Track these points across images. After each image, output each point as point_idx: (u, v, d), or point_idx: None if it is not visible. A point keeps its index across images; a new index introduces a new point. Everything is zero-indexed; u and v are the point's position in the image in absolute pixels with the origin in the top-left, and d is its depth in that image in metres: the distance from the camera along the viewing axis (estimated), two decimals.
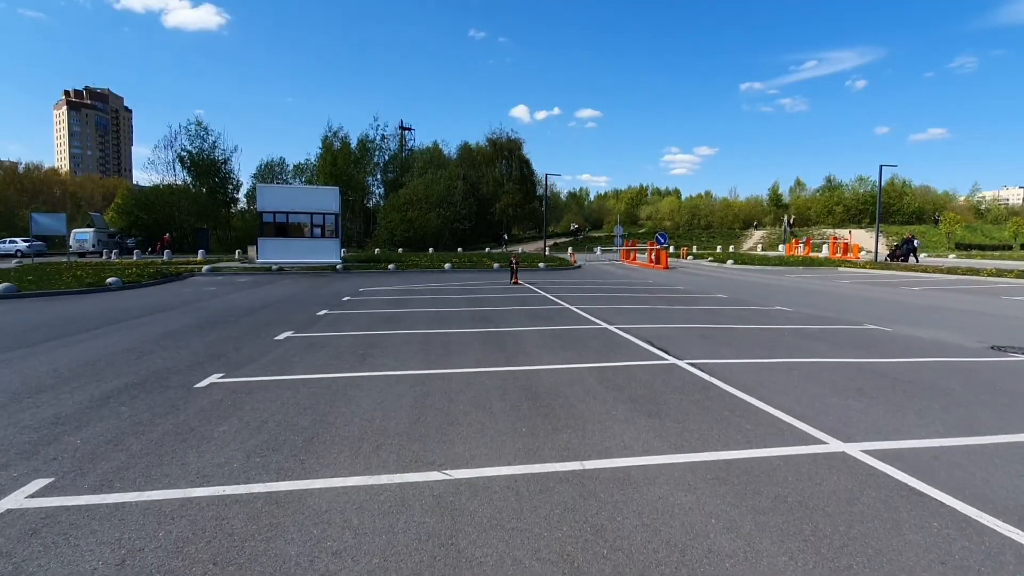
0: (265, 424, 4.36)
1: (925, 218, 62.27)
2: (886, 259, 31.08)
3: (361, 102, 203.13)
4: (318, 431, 4.21)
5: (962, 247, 48.29)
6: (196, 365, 6.41)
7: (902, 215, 62.66)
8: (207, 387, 5.48)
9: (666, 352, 7.16)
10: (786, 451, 3.87)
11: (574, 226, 74.87)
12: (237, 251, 33.94)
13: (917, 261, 30.24)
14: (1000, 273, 21.58)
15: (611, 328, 9.10)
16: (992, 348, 7.90)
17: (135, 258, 33.90)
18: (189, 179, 49.18)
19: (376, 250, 43.68)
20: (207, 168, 48.26)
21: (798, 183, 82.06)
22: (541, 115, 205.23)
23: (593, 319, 10.16)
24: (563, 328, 9.14)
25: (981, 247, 48.81)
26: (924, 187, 73.88)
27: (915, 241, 32.12)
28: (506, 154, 67.18)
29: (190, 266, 23.53)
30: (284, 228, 25.38)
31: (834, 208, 65.56)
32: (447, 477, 3.41)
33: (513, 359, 6.75)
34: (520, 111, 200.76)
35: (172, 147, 48.93)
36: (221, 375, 5.94)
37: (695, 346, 7.64)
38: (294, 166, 60.40)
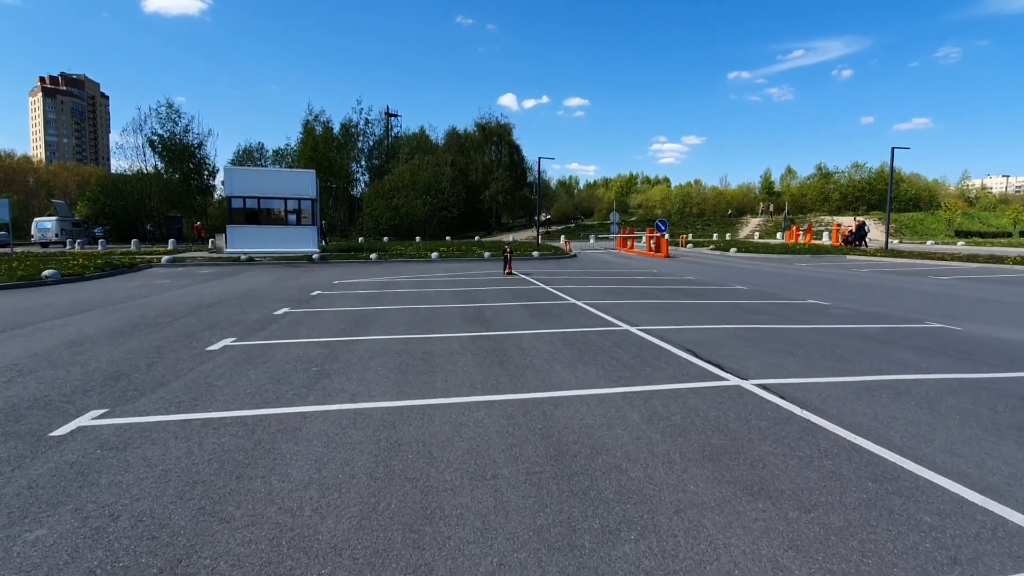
0: (101, 535, 2.55)
1: (922, 205, 61.32)
2: (843, 245, 33.30)
3: (347, 90, 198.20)
4: (194, 546, 2.41)
5: (962, 234, 47.32)
6: (76, 394, 4.56)
7: (899, 202, 61.55)
8: (68, 435, 3.65)
9: (719, 367, 5.43)
10: None
11: (547, 216, 72.87)
12: (211, 240, 31.62)
13: (867, 247, 31.13)
14: None
15: (635, 331, 7.36)
16: None
17: (100, 248, 31.51)
18: (161, 165, 46.35)
19: (360, 239, 41.51)
20: (180, 153, 45.39)
21: (789, 171, 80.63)
22: (529, 103, 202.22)
23: (609, 318, 8.41)
24: (576, 331, 7.37)
25: (981, 234, 47.87)
26: (915, 175, 73.04)
27: (866, 227, 33.84)
28: (495, 139, 64.88)
29: (150, 257, 21.36)
30: (255, 215, 23.25)
31: (830, 195, 64.33)
32: None
33: (519, 380, 4.98)
34: (508, 99, 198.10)
35: (141, 131, 46.04)
36: (101, 413, 4.10)
37: (749, 356, 5.93)
38: (273, 151, 57.59)
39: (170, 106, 45.04)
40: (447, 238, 47.20)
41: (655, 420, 3.94)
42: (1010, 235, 48.95)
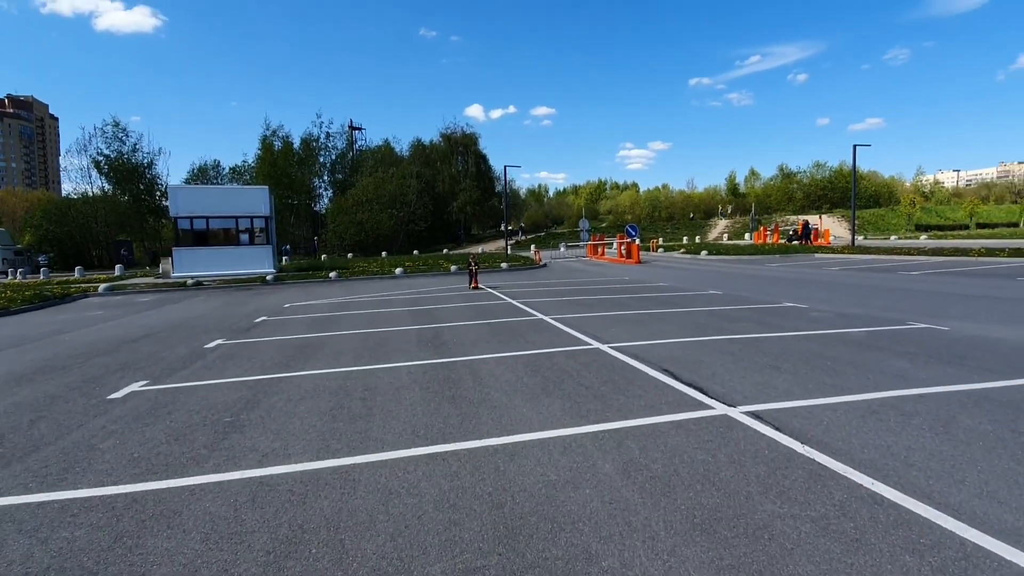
0: None
1: (881, 201, 63.07)
2: (785, 241, 35.32)
3: (310, 105, 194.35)
4: None
5: (922, 228, 48.69)
6: None
7: (860, 199, 63.14)
8: None
9: (701, 391, 4.76)
10: None
11: (521, 225, 72.56)
12: (161, 264, 29.85)
13: (808, 243, 33.03)
14: (991, 252, 20.48)
15: (606, 349, 6.67)
16: None
17: (42, 277, 29.43)
18: (108, 187, 44.08)
19: (323, 256, 40.13)
20: (128, 173, 43.30)
21: (753, 172, 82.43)
22: (496, 113, 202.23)
23: (578, 335, 7.71)
24: (541, 353, 6.63)
25: (939, 227, 49.35)
26: (872, 172, 75.39)
27: (810, 226, 35.78)
28: (461, 149, 64.27)
29: (87, 285, 19.81)
30: (204, 236, 21.89)
31: (794, 195, 65.68)
32: None
33: (472, 421, 4.19)
34: (475, 110, 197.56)
35: (86, 152, 43.80)
36: None
37: (733, 374, 5.28)
38: (230, 168, 55.66)
39: (116, 124, 43.07)
40: (415, 252, 46.17)
41: (632, 471, 3.21)
42: (967, 227, 50.58)
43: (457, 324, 9.18)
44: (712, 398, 4.54)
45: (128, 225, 43.47)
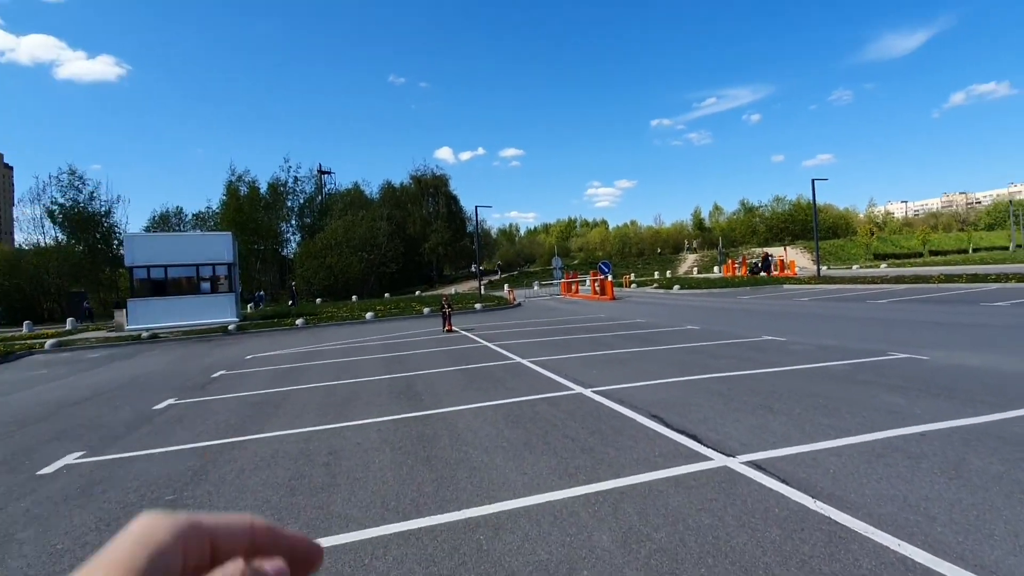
0: None
1: (839, 232, 65.72)
2: (749, 274, 36.49)
3: (278, 151, 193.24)
4: None
5: (879, 257, 50.69)
6: None
7: (820, 230, 65.92)
8: None
9: (695, 439, 4.45)
10: None
11: (499, 263, 72.82)
12: (115, 317, 28.40)
13: (770, 275, 34.40)
14: (950, 279, 21.20)
15: (589, 394, 6.32)
16: None
17: None
18: (63, 237, 42.43)
19: (290, 302, 39.01)
20: (84, 223, 41.85)
21: (717, 208, 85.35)
22: (466, 155, 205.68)
23: (558, 379, 7.36)
24: (521, 401, 6.24)
25: (896, 255, 51.51)
26: (828, 204, 78.95)
27: (771, 258, 37.19)
28: (432, 191, 64.66)
29: (33, 342, 18.53)
30: (162, 285, 20.94)
31: (757, 228, 67.93)
32: None
33: (449, 487, 3.75)
34: (445, 152, 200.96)
35: (39, 201, 42.29)
36: None
37: (726, 418, 5.00)
38: (193, 215, 54.50)
39: (72, 172, 41.96)
40: (386, 295, 45.42)
41: (633, 544, 2.83)
42: (921, 255, 52.97)
43: (431, 372, 8.72)
44: (708, 447, 4.23)
45: (83, 276, 41.65)
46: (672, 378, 6.97)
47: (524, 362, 9.01)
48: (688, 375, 7.11)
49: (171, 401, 7.65)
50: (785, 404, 5.41)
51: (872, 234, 55.96)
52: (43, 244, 41.73)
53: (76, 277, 41.41)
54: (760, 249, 54.03)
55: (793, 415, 5.01)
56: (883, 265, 41.87)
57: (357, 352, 12.05)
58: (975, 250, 55.08)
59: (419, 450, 4.63)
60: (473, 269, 37.22)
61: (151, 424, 6.34)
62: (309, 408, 6.59)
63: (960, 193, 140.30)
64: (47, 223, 42.51)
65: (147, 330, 19.22)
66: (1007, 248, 54.54)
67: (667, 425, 4.88)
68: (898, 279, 23.22)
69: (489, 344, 11.82)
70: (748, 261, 39.25)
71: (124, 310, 21.08)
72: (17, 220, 43.96)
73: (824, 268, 40.60)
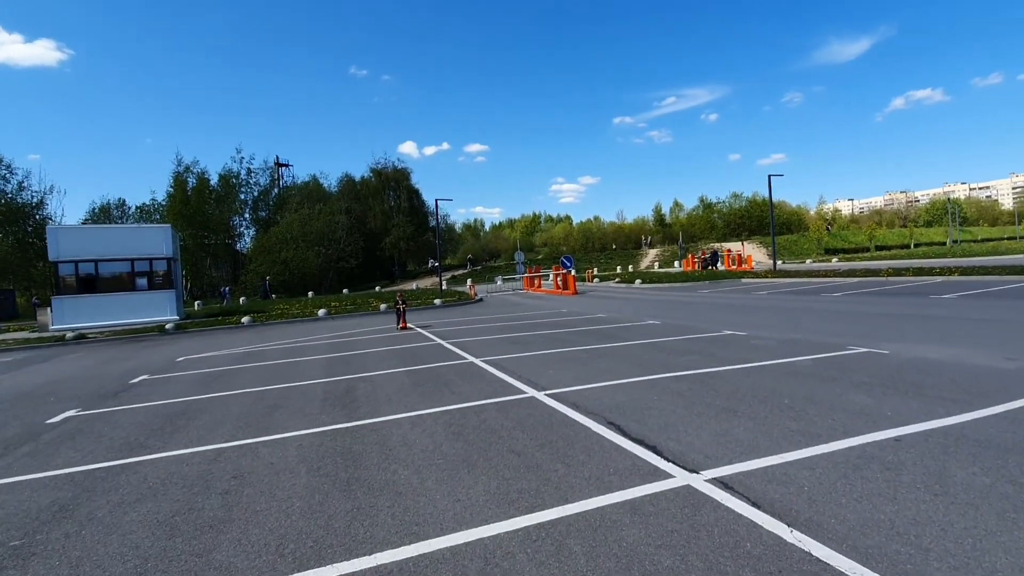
0: None
1: (792, 228, 67.71)
2: (701, 268, 36.96)
3: (234, 143, 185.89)
4: None
5: (830, 251, 52.36)
6: None
7: (775, 226, 67.75)
8: None
9: (654, 449, 3.96)
10: None
11: (469, 257, 71.90)
12: (38, 316, 26.23)
13: (717, 269, 35.83)
14: (898, 272, 21.77)
15: (542, 398, 5.79)
16: None
17: None
18: None
19: (242, 299, 37.19)
20: (12, 215, 38.72)
21: (676, 204, 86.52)
22: (430, 150, 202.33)
23: (512, 381, 6.80)
24: (468, 408, 5.65)
25: (845, 250, 53.31)
26: (781, 201, 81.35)
27: (719, 254, 39.24)
28: (393, 184, 63.00)
29: None
30: (92, 282, 19.31)
31: (715, 223, 69.22)
32: None
33: (366, 521, 3.13)
34: (409, 147, 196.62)
35: None
36: None
37: (688, 424, 4.55)
38: (137, 207, 51.44)
39: None
40: (344, 291, 43.97)
41: None
42: (868, 249, 55.01)
43: (375, 374, 8.02)
44: (669, 460, 3.74)
45: (11, 272, 38.55)
46: (632, 378, 6.52)
47: (477, 362, 8.42)
48: (648, 374, 6.68)
49: (71, 413, 6.70)
50: (749, 406, 5.00)
51: (829, 229, 57.80)
52: None
53: (3, 273, 38.29)
54: (719, 244, 55.11)
55: (759, 418, 4.60)
56: (834, 259, 43.21)
57: (300, 352, 11.19)
58: (916, 245, 57.66)
59: (340, 471, 3.98)
60: (431, 264, 36.24)
61: (35, 442, 5.44)
62: (228, 419, 5.81)
63: (901, 192, 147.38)
64: None
65: (73, 330, 17.65)
66: (944, 244, 57.40)
67: (624, 434, 4.38)
68: (850, 272, 23.74)
69: (443, 342, 11.18)
70: (697, 257, 39.81)
71: (49, 308, 19.34)
72: None
73: (780, 262, 41.59)
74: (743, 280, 27.29)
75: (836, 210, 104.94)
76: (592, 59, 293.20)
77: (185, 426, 5.66)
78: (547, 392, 6.03)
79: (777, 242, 55.95)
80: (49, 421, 6.34)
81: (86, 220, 49.56)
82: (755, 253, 47.39)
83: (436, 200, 33.82)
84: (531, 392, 6.10)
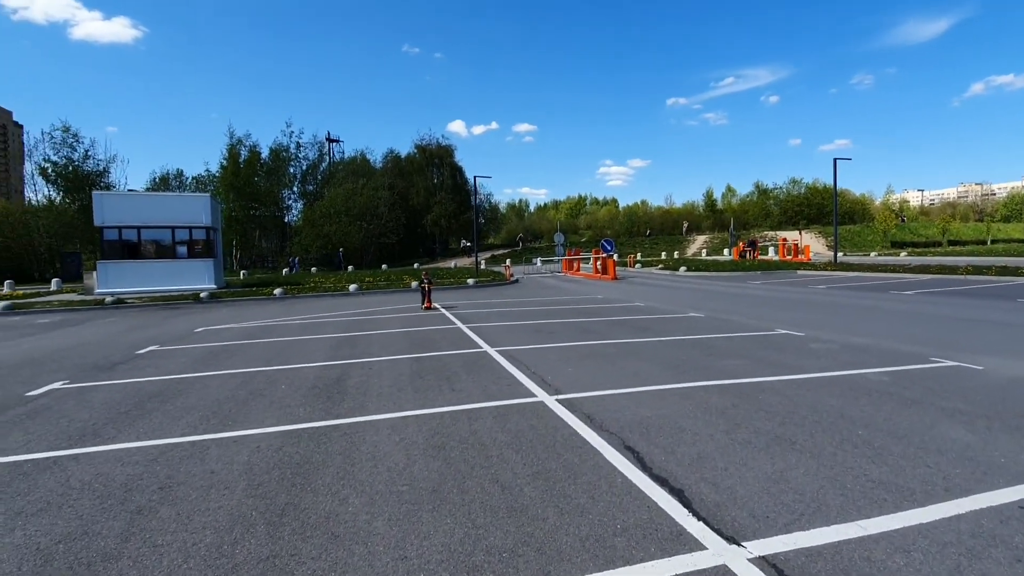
0: None
1: (856, 218, 63.03)
2: (740, 257, 36.28)
3: (287, 118, 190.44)
4: None
5: (897, 244, 48.34)
6: None
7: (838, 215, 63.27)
8: None
9: (680, 497, 3.00)
10: None
11: (520, 236, 70.90)
12: (85, 279, 27.26)
13: (755, 259, 34.60)
14: (979, 270, 19.39)
15: (551, 404, 4.89)
16: None
17: None
18: (56, 196, 41.30)
19: (284, 271, 37.82)
20: (79, 182, 40.56)
21: (729, 189, 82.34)
22: (479, 130, 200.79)
23: (523, 379, 5.93)
24: (463, 412, 4.82)
25: (914, 244, 49.07)
26: (844, 190, 75.85)
27: (757, 243, 39.62)
28: (437, 161, 62.56)
29: None
30: (135, 248, 19.65)
31: (771, 210, 65.32)
32: None
33: (276, 572, 2.35)
34: (457, 126, 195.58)
35: (31, 158, 41.06)
36: None
37: (729, 457, 3.55)
38: (193, 178, 53.15)
39: (66, 130, 40.37)
40: (383, 266, 44.08)
41: None
42: (940, 244, 50.48)
43: (378, 360, 7.32)
44: (700, 519, 2.77)
45: (76, 236, 40.57)
46: (663, 384, 5.51)
47: (491, 352, 7.58)
48: (683, 380, 5.65)
49: (56, 385, 6.32)
50: (811, 435, 3.94)
51: (903, 220, 53.34)
52: (34, 202, 40.64)
53: (69, 237, 40.36)
54: (768, 233, 51.93)
55: (824, 457, 3.55)
56: (903, 253, 39.74)
57: (314, 329, 10.69)
58: (993, 241, 52.53)
59: (282, 492, 3.22)
60: (473, 242, 35.51)
61: (14, 412, 5.00)
62: (200, 406, 5.21)
63: (976, 183, 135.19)
64: (39, 181, 41.38)
65: (116, 295, 18.01)
66: None
67: (644, 467, 3.43)
68: (921, 268, 21.38)
69: (462, 326, 10.40)
70: (760, 244, 37.47)
71: (95, 272, 19.86)
72: (30, 177, 42.72)
73: (840, 254, 38.64)
74: (799, 272, 25.24)
75: (904, 200, 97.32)
76: (646, 38, 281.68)
77: (153, 411, 5.10)
78: (559, 397, 5.12)
79: (841, 233, 52.27)
80: (29, 393, 5.96)
81: (146, 189, 51.63)
82: (813, 243, 44.30)
83: (475, 177, 32.99)
84: (541, 395, 5.20)
